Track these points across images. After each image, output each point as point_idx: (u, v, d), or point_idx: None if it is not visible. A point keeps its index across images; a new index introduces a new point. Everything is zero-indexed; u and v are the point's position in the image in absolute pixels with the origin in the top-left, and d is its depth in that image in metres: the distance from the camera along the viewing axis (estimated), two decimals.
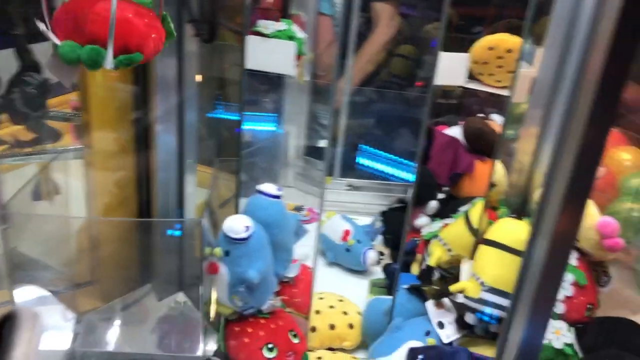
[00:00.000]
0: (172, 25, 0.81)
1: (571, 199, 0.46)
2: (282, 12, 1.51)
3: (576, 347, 1.00)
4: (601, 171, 1.36)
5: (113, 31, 0.69)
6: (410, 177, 1.72)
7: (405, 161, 1.73)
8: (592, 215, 1.01)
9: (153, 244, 1.15)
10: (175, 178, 1.12)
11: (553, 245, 0.48)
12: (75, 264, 1.16)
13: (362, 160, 1.77)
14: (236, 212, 1.04)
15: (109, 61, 0.70)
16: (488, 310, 1.01)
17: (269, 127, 1.67)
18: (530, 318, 0.53)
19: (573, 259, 1.05)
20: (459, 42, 1.70)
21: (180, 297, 1.17)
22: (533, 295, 0.51)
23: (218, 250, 0.94)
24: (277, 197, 1.05)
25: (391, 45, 1.89)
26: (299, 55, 1.32)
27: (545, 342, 0.98)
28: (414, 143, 1.72)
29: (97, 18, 0.70)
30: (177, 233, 1.12)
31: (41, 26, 0.70)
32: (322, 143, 1.78)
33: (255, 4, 1.34)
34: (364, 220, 1.51)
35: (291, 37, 1.30)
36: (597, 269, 1.07)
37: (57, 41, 0.71)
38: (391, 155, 1.74)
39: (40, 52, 1.21)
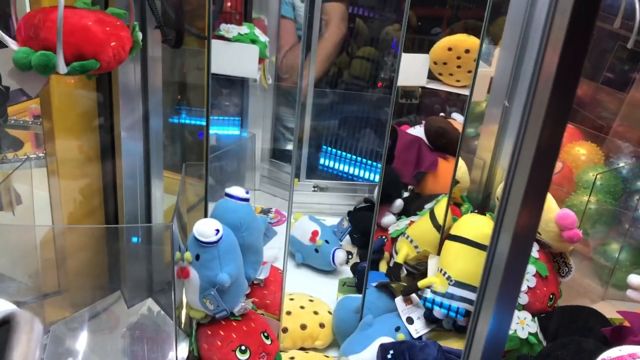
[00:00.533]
0: (139, 35, 0.81)
1: (531, 193, 0.48)
2: (244, 16, 1.52)
3: (540, 336, 1.03)
4: (558, 166, 1.41)
5: (61, 35, 0.68)
6: (373, 177, 1.75)
7: (368, 161, 1.76)
8: (552, 208, 1.05)
9: (121, 251, 1.14)
10: (142, 185, 1.11)
11: (515, 239, 0.50)
12: (41, 274, 1.14)
13: (325, 162, 1.79)
14: (205, 216, 1.04)
15: (61, 66, 0.70)
16: (454, 304, 1.04)
17: (232, 131, 1.67)
18: (496, 310, 0.55)
19: (534, 251, 1.08)
20: (419, 43, 1.74)
21: (150, 303, 1.16)
22: (498, 287, 0.53)
23: (188, 255, 0.94)
24: (246, 200, 1.06)
25: (351, 47, 1.91)
26: (262, 58, 1.32)
27: (510, 332, 1.01)
28: (377, 143, 1.75)
29: (52, 25, 0.70)
30: (137, 240, 1.12)
31: None
32: (288, 146, 1.79)
33: (219, 9, 1.34)
34: (332, 221, 1.52)
35: (254, 41, 1.31)
36: (557, 260, 1.11)
37: (14, 47, 0.71)
38: (354, 156, 1.77)
39: None
